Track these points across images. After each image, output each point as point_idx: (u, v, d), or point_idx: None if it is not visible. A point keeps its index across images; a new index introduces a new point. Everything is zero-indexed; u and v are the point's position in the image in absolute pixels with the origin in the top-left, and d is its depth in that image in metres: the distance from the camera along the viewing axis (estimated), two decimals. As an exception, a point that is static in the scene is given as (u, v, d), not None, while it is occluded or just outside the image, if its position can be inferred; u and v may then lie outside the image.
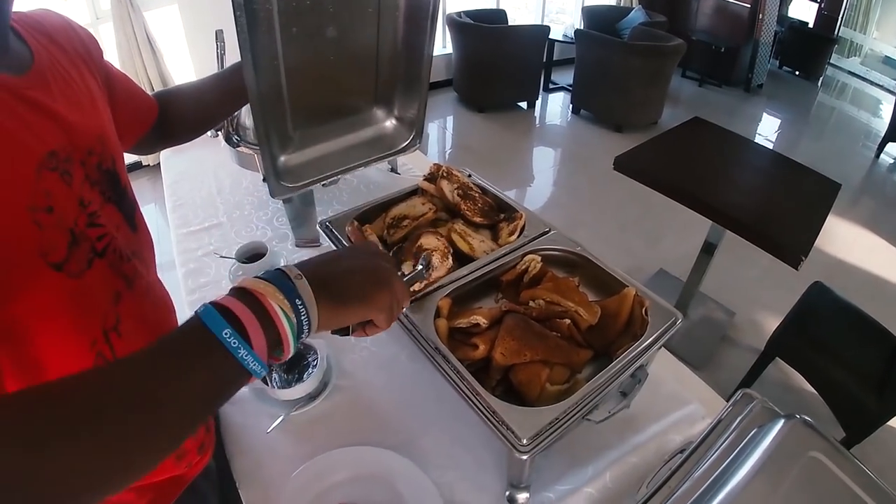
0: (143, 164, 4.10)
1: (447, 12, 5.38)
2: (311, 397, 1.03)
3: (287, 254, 1.41)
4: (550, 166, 4.98)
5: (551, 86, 6.31)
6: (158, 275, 0.87)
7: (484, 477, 0.93)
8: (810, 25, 7.51)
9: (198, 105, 1.08)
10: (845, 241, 3.77)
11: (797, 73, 7.60)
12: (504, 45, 5.15)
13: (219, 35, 1.29)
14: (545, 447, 0.73)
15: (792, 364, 2.17)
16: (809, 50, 7.27)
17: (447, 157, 4.96)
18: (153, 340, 0.47)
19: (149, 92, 0.99)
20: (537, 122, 5.78)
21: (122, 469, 0.42)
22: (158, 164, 2.07)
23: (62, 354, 0.59)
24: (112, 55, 3.59)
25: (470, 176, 1.29)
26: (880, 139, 5.31)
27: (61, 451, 0.38)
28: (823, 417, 1.99)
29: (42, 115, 0.58)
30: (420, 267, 0.85)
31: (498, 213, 1.23)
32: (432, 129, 5.39)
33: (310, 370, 1.02)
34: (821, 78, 7.40)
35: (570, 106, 5.79)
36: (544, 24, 6.21)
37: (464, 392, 0.80)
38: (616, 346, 0.94)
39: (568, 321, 0.95)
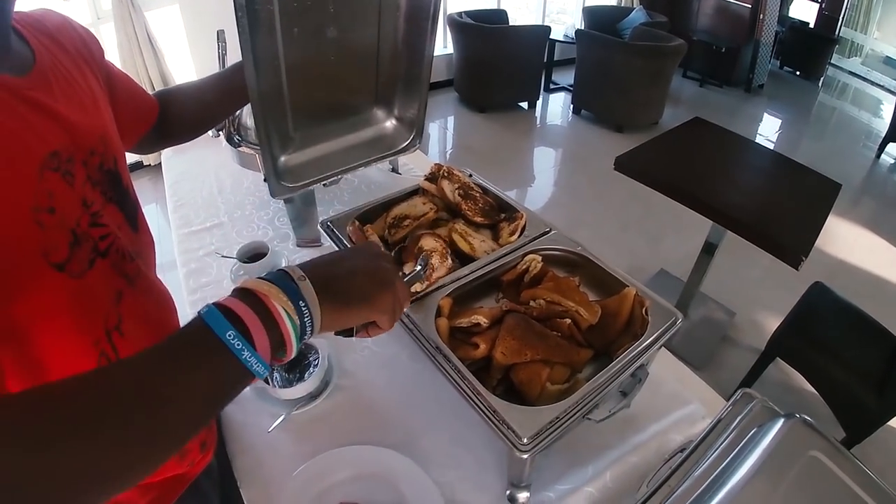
0: (145, 163, 4.10)
1: (448, 12, 5.39)
2: (313, 396, 1.03)
3: (288, 253, 1.41)
4: (551, 166, 4.98)
5: (552, 86, 6.31)
6: (160, 275, 0.87)
7: (484, 476, 0.93)
8: (811, 25, 7.50)
9: (198, 105, 1.08)
10: (846, 241, 3.77)
11: (798, 73, 7.59)
12: (505, 45, 5.15)
13: (220, 35, 1.29)
14: (546, 446, 0.74)
15: (792, 364, 2.17)
16: (810, 50, 7.26)
17: (448, 157, 4.96)
18: (156, 341, 0.47)
19: (149, 92, 0.99)
20: (538, 122, 5.78)
21: (126, 469, 0.42)
22: (160, 164, 2.07)
23: (65, 354, 0.59)
24: (113, 55, 3.58)
25: (471, 176, 1.29)
26: (881, 139, 5.31)
27: (65, 451, 0.38)
28: (824, 417, 1.99)
29: (44, 116, 0.58)
30: (418, 268, 0.85)
31: (499, 213, 1.23)
32: (433, 129, 5.39)
33: (311, 369, 1.02)
34: (822, 78, 7.39)
35: (571, 106, 5.78)
36: (545, 24, 6.21)
37: (464, 391, 0.80)
38: (616, 345, 0.94)
39: (568, 321, 0.95)
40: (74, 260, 0.58)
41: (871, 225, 4.03)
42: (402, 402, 1.05)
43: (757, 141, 4.96)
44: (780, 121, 6.20)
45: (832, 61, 7.51)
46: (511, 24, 5.77)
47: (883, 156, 5.27)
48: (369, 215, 1.21)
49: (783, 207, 2.26)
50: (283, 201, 1.44)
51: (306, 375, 1.01)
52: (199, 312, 0.49)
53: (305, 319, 0.53)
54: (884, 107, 6.78)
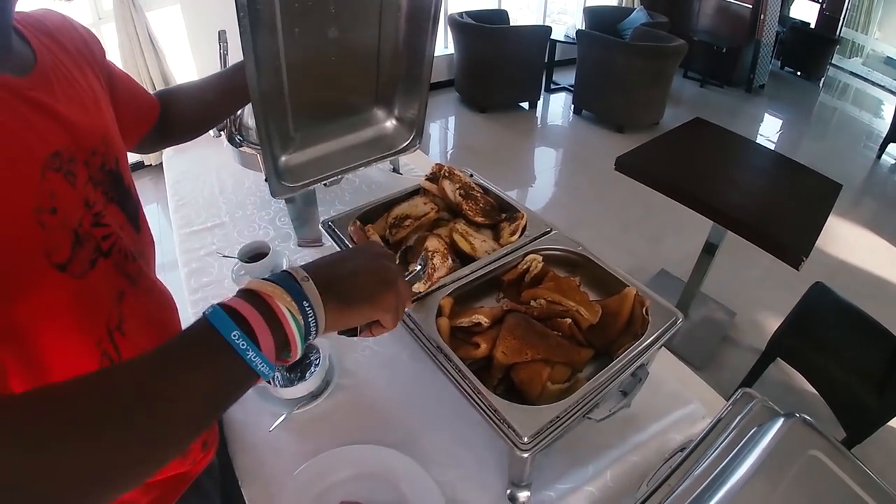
0: (146, 163, 4.11)
1: (449, 13, 5.39)
2: (314, 396, 1.03)
3: (289, 253, 1.42)
4: (552, 166, 4.98)
5: (553, 86, 6.32)
6: (161, 274, 0.87)
7: (485, 475, 0.93)
8: (812, 26, 7.49)
9: (199, 104, 1.08)
10: (846, 241, 3.77)
11: (799, 73, 7.59)
12: (506, 45, 5.15)
13: (221, 35, 1.30)
14: (546, 445, 0.74)
15: (793, 364, 2.17)
16: (811, 50, 7.26)
17: (449, 157, 4.96)
18: (159, 340, 0.47)
19: (150, 92, 0.99)
20: (539, 122, 5.78)
21: (128, 470, 0.42)
22: (161, 163, 2.08)
23: (67, 354, 0.59)
24: (114, 55, 3.60)
25: (472, 176, 1.30)
26: (882, 140, 5.30)
27: (65, 452, 0.38)
28: (824, 418, 1.99)
29: (45, 116, 0.58)
30: (418, 268, 0.85)
31: (499, 213, 1.23)
32: (434, 129, 5.39)
33: (312, 369, 1.02)
34: (822, 78, 7.39)
35: (572, 106, 5.78)
36: (546, 24, 6.21)
37: (465, 391, 0.80)
38: (617, 345, 0.95)
39: (569, 320, 0.96)
40: (76, 260, 0.58)
41: (871, 225, 4.03)
42: (402, 402, 1.05)
43: (758, 141, 4.96)
44: (780, 121, 6.20)
45: (833, 62, 7.51)
46: (512, 24, 5.78)
47: (884, 156, 5.26)
48: (370, 215, 1.21)
49: (784, 208, 2.26)
50: (284, 201, 1.44)
51: (307, 375, 1.01)
52: (203, 313, 0.49)
53: (310, 320, 0.54)
54: (884, 107, 6.78)
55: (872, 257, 3.65)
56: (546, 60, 5.73)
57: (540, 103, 5.95)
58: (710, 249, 2.60)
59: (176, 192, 1.70)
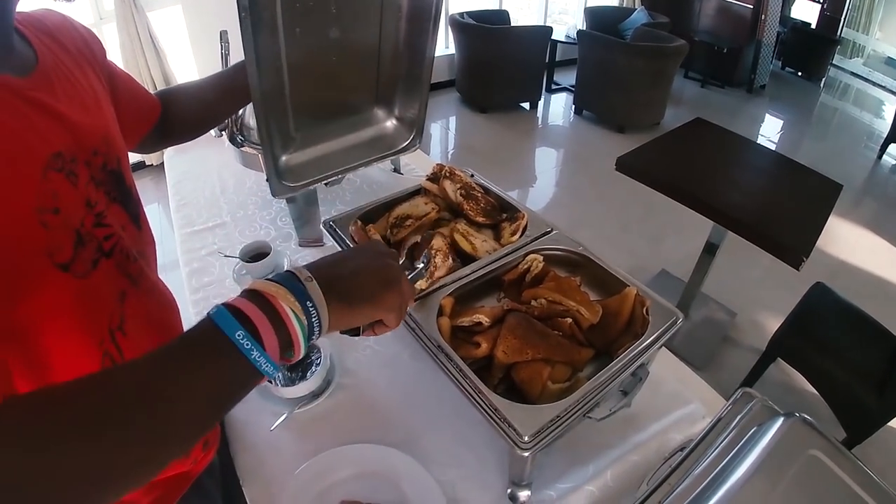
0: (147, 163, 4.11)
1: (450, 13, 5.40)
2: (315, 395, 1.04)
3: (290, 253, 1.42)
4: (553, 167, 4.99)
5: (554, 86, 6.32)
6: (162, 274, 0.87)
7: (486, 475, 0.93)
8: (813, 26, 7.49)
9: (200, 104, 1.08)
10: (847, 241, 3.77)
11: (800, 73, 7.59)
12: (506, 45, 5.15)
13: (223, 35, 1.30)
14: (546, 444, 0.74)
15: (793, 364, 2.17)
16: (812, 51, 7.26)
17: (450, 157, 4.97)
18: (160, 341, 0.47)
19: (151, 92, 0.99)
20: (540, 122, 5.78)
21: (131, 470, 0.43)
22: (162, 163, 2.08)
23: (70, 354, 0.59)
24: (115, 55, 3.60)
25: (472, 176, 1.30)
26: (882, 140, 5.30)
27: (65, 452, 0.38)
28: (825, 418, 1.99)
29: (47, 117, 0.58)
30: (420, 266, 0.85)
31: (500, 213, 1.24)
32: (435, 129, 5.39)
33: (313, 368, 1.02)
34: (823, 79, 7.39)
35: (573, 106, 5.78)
36: (547, 24, 6.22)
37: (466, 390, 0.80)
38: (617, 344, 0.95)
39: (569, 320, 0.96)
40: (79, 260, 0.58)
41: (872, 226, 4.03)
42: (403, 401, 1.06)
43: (758, 141, 4.98)
44: (781, 121, 6.20)
45: (834, 62, 7.51)
46: (513, 24, 5.78)
47: (884, 157, 5.26)
48: (371, 215, 1.22)
49: (784, 208, 2.26)
50: (285, 201, 1.44)
51: (308, 374, 1.01)
52: (208, 313, 0.49)
53: (313, 320, 0.54)
54: (885, 107, 6.79)
55: (873, 258, 3.65)
56: (547, 61, 5.73)
57: (541, 103, 5.95)
58: (710, 249, 2.60)
59: (177, 192, 1.70)
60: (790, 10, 7.52)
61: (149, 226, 0.83)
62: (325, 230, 1.18)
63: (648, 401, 1.03)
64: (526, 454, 0.73)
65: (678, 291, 2.84)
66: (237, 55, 0.94)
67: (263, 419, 1.00)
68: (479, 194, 1.24)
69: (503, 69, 5.27)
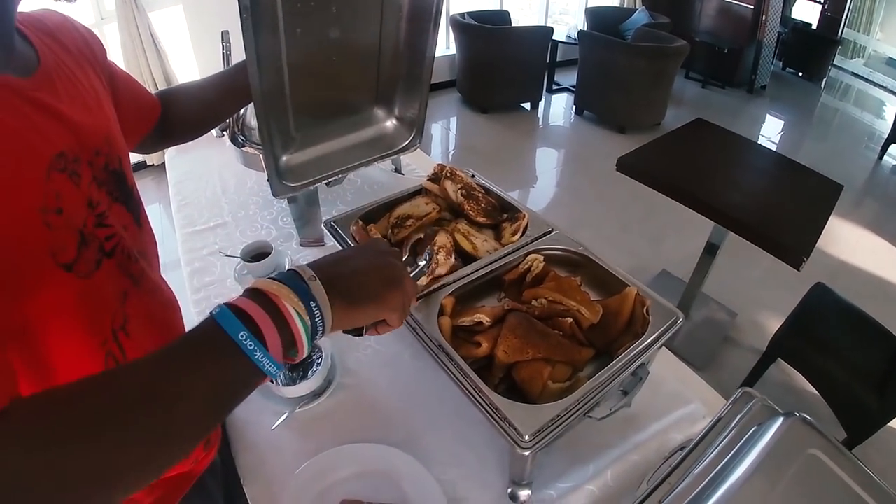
0: (148, 163, 4.11)
1: (450, 13, 5.40)
2: (316, 395, 1.04)
3: (292, 253, 1.42)
4: (553, 167, 4.99)
5: (554, 87, 6.31)
6: (163, 274, 0.87)
7: (486, 474, 0.93)
8: (814, 27, 7.49)
9: (200, 104, 1.08)
10: (847, 242, 3.77)
11: (800, 74, 7.59)
12: (507, 46, 5.16)
13: (224, 36, 1.30)
14: (547, 444, 0.74)
15: (793, 365, 2.18)
16: (813, 51, 7.26)
17: (451, 157, 4.97)
18: (163, 340, 0.47)
19: (152, 92, 1.00)
20: (540, 122, 5.78)
21: (134, 471, 0.43)
22: (163, 163, 2.08)
23: (73, 354, 0.59)
24: (117, 55, 3.60)
25: (473, 176, 1.30)
26: (883, 141, 5.30)
27: (65, 453, 0.38)
28: (825, 418, 1.99)
29: (49, 117, 0.58)
30: (422, 263, 0.85)
31: (501, 213, 1.24)
32: (436, 129, 5.40)
33: (314, 368, 1.02)
34: (824, 79, 7.39)
35: (574, 107, 5.79)
36: (548, 25, 6.22)
37: (467, 389, 0.81)
38: (617, 344, 0.95)
39: (570, 320, 0.96)
40: (82, 260, 0.58)
41: (873, 226, 4.03)
42: (404, 401, 1.06)
43: (759, 142, 4.98)
44: (782, 122, 6.20)
45: (835, 62, 7.50)
46: (514, 24, 5.78)
47: (885, 157, 5.26)
48: (372, 215, 1.22)
49: (785, 208, 2.26)
50: (286, 201, 1.45)
51: (310, 374, 1.01)
52: (210, 313, 0.49)
53: (316, 320, 0.54)
54: (886, 108, 6.78)
55: (873, 258, 3.65)
56: (548, 61, 5.74)
57: (541, 104, 5.95)
58: (711, 250, 2.60)
59: (179, 192, 1.71)
60: (791, 10, 7.52)
61: (150, 226, 0.83)
62: (326, 230, 1.18)
63: (649, 400, 1.03)
64: (526, 453, 0.73)
65: (679, 292, 2.84)
66: (238, 55, 0.95)
67: (264, 418, 1.00)
68: (480, 194, 1.24)
69: (504, 69, 5.27)
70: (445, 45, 5.98)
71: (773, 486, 0.66)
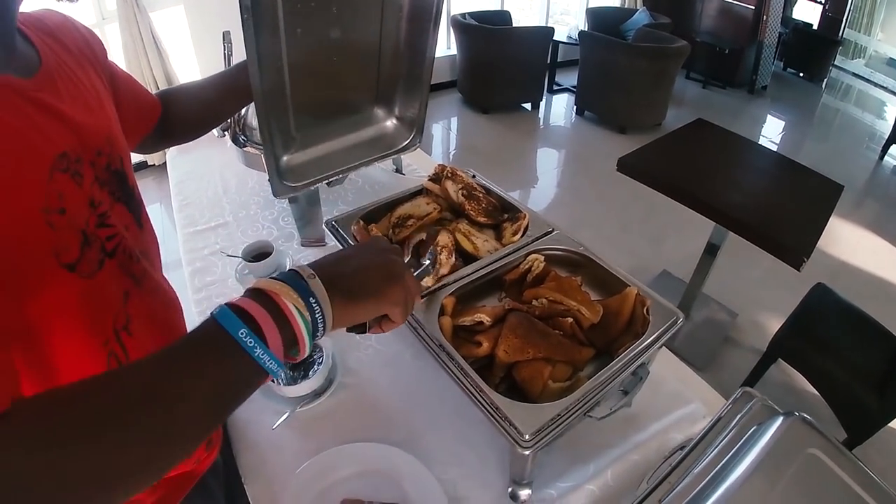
0: (149, 163, 4.11)
1: (451, 13, 5.40)
2: (317, 394, 1.04)
3: (293, 253, 1.42)
4: (554, 167, 4.99)
5: (555, 87, 6.32)
6: (165, 274, 0.87)
7: (487, 473, 0.94)
8: (814, 27, 7.49)
9: (201, 104, 1.08)
10: (848, 242, 3.77)
11: (801, 74, 7.59)
12: (508, 46, 5.16)
13: (226, 36, 1.31)
14: (547, 443, 0.74)
15: (794, 365, 2.18)
16: (813, 52, 7.26)
17: (451, 157, 4.97)
18: (165, 340, 0.47)
19: (153, 92, 1.00)
20: (541, 123, 5.79)
21: (139, 471, 0.43)
22: (164, 163, 2.09)
23: (75, 354, 0.59)
24: (118, 55, 3.61)
25: (474, 176, 1.30)
26: (884, 141, 5.31)
27: (79, 452, 0.39)
28: (825, 419, 1.99)
29: (52, 117, 0.58)
30: (427, 262, 0.85)
31: (502, 213, 1.24)
32: (437, 129, 5.40)
33: (315, 367, 1.03)
34: (825, 80, 7.39)
35: (574, 107, 5.79)
36: (548, 25, 6.22)
37: (467, 389, 0.81)
38: (618, 344, 0.95)
39: (570, 320, 0.96)
40: (85, 260, 0.58)
41: (873, 226, 4.03)
42: (405, 400, 1.06)
43: (760, 142, 4.99)
44: (783, 122, 6.20)
45: (835, 63, 7.50)
46: (514, 25, 5.79)
47: (886, 157, 5.26)
48: (373, 215, 1.22)
49: (785, 209, 2.26)
50: (287, 201, 1.45)
51: (311, 373, 1.01)
52: (211, 313, 0.50)
53: (317, 316, 0.54)
54: (887, 108, 6.78)
55: (874, 258, 3.65)
56: (548, 61, 5.74)
57: (542, 104, 5.96)
58: (711, 250, 2.60)
59: (180, 192, 1.71)
60: (792, 10, 7.51)
61: (151, 225, 0.83)
62: (327, 230, 1.18)
63: (649, 400, 1.04)
64: (527, 452, 0.73)
65: (679, 292, 2.84)
66: (240, 55, 0.95)
67: (265, 418, 1.00)
68: (481, 194, 1.24)
69: (505, 70, 5.27)
70: (446, 45, 5.98)
71: (772, 486, 0.66)
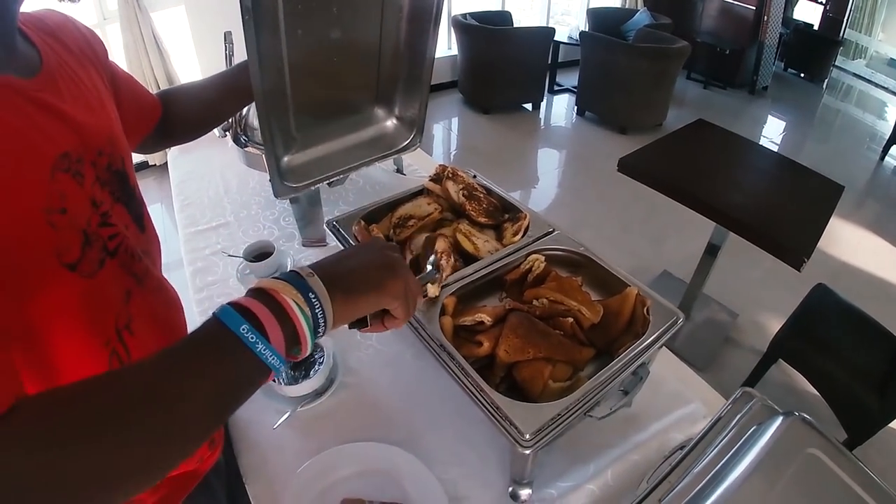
0: (150, 163, 4.12)
1: (452, 14, 5.40)
2: (318, 394, 1.04)
3: (294, 253, 1.43)
4: (555, 167, 4.99)
5: (556, 87, 6.32)
6: (165, 274, 0.87)
7: (487, 473, 0.94)
8: (815, 27, 7.48)
9: (201, 104, 1.09)
10: (849, 243, 3.77)
11: (802, 75, 7.59)
12: (509, 46, 5.16)
13: (227, 37, 1.31)
14: (547, 443, 0.75)
15: (794, 365, 2.18)
16: (814, 52, 7.26)
17: (452, 158, 4.97)
18: (166, 339, 0.47)
19: (153, 92, 1.00)
20: (542, 123, 5.79)
21: (141, 471, 0.43)
22: (165, 163, 2.09)
23: (77, 354, 0.59)
24: (119, 56, 3.61)
25: (475, 177, 1.30)
26: (885, 142, 5.30)
27: (82, 452, 0.39)
28: (826, 419, 1.99)
29: (53, 117, 0.58)
30: (430, 268, 0.86)
31: (502, 214, 1.24)
32: (437, 130, 5.40)
33: (316, 367, 1.03)
34: (826, 80, 7.38)
35: (575, 108, 5.78)
36: (549, 25, 6.21)
37: (468, 388, 0.81)
38: (618, 344, 0.95)
39: (571, 320, 0.96)
40: (86, 260, 0.58)
41: (874, 227, 4.03)
42: (406, 400, 1.06)
43: (761, 143, 4.99)
44: (783, 123, 6.20)
45: (836, 63, 7.49)
46: (515, 25, 5.78)
47: (887, 158, 5.26)
48: (374, 215, 1.22)
49: (786, 209, 2.26)
50: (288, 201, 1.45)
51: (311, 373, 1.02)
52: (213, 313, 0.50)
53: (317, 311, 0.54)
54: (888, 109, 6.78)
55: (875, 259, 3.65)
56: (549, 62, 5.74)
57: (543, 104, 5.96)
58: (712, 251, 2.60)
59: (181, 192, 1.71)
60: (792, 11, 7.51)
61: (153, 225, 0.83)
62: (328, 230, 1.18)
63: (649, 400, 1.04)
64: (527, 452, 0.74)
65: (680, 292, 2.84)
66: (241, 56, 0.95)
67: (266, 417, 1.01)
68: (482, 195, 1.24)
69: (506, 70, 5.27)
70: (447, 45, 5.98)
71: (772, 486, 0.66)
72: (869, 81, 7.46)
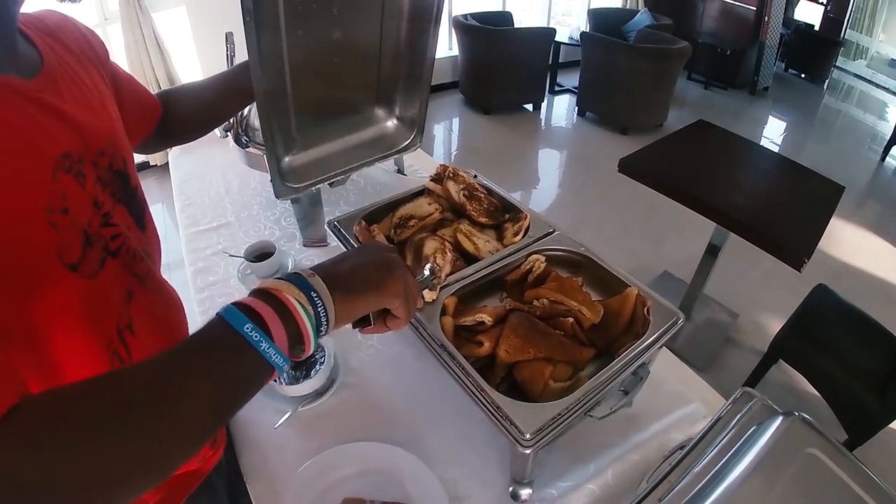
0: (151, 164, 4.13)
1: (453, 14, 5.41)
2: (319, 394, 1.04)
3: (295, 253, 1.43)
4: (555, 168, 4.99)
5: (557, 88, 6.32)
6: (168, 274, 0.87)
7: (488, 473, 0.94)
8: (816, 28, 7.48)
9: (201, 104, 1.09)
10: (850, 243, 3.77)
11: (803, 75, 7.58)
12: (510, 47, 5.16)
13: (228, 37, 1.31)
14: (548, 442, 0.75)
15: (795, 366, 2.18)
16: (815, 52, 7.25)
17: (453, 158, 4.97)
18: (167, 340, 0.47)
19: (155, 93, 1.00)
20: (543, 124, 5.79)
21: (143, 471, 0.43)
22: (166, 163, 2.09)
23: (79, 354, 0.59)
24: (120, 56, 3.61)
25: (476, 177, 1.30)
26: (886, 142, 5.30)
27: (84, 452, 0.39)
28: (826, 420, 1.99)
29: (54, 118, 0.58)
30: (427, 273, 0.86)
31: (503, 214, 1.24)
32: (438, 130, 5.40)
33: (317, 367, 1.03)
34: (826, 81, 7.37)
35: (576, 108, 5.78)
36: (550, 26, 6.20)
37: (468, 388, 0.81)
38: (618, 344, 0.95)
39: (571, 320, 0.96)
40: (87, 260, 0.58)
41: (875, 228, 4.03)
42: (406, 400, 1.06)
43: (761, 143, 4.99)
44: (784, 123, 6.20)
45: (837, 64, 7.48)
46: (516, 26, 5.79)
47: (888, 159, 5.25)
48: (375, 215, 1.22)
49: (786, 210, 2.26)
50: (290, 201, 1.45)
51: (312, 373, 1.02)
52: (217, 312, 0.50)
53: (319, 309, 0.55)
54: (889, 109, 6.78)
55: (875, 260, 3.65)
56: (550, 62, 5.74)
57: (544, 105, 5.96)
58: (712, 251, 2.60)
59: (182, 192, 1.71)
60: (793, 11, 7.50)
61: (154, 226, 0.84)
62: (329, 230, 1.18)
63: (649, 400, 1.04)
64: (528, 452, 0.74)
65: (680, 293, 2.84)
66: (242, 56, 0.95)
67: (267, 417, 1.01)
68: (482, 195, 1.24)
69: (506, 71, 5.28)
70: (448, 46, 5.98)
71: (771, 486, 0.66)
72: (870, 82, 7.46)
